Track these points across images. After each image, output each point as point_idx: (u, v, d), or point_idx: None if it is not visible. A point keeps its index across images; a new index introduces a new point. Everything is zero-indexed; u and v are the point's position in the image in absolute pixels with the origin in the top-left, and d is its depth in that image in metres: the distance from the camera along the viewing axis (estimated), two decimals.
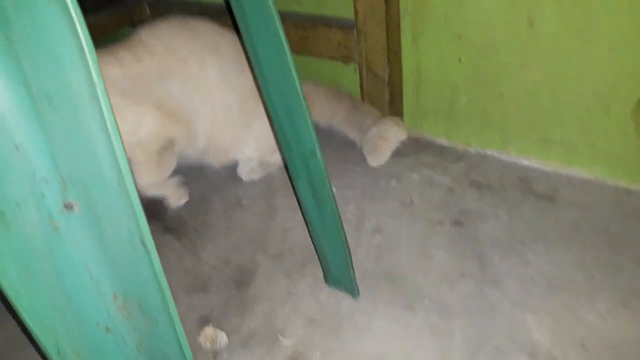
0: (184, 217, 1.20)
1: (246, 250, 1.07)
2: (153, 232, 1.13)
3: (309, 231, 0.94)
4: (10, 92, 0.52)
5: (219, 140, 1.24)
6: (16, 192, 0.52)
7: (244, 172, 1.29)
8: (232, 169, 1.31)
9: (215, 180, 1.30)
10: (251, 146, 1.27)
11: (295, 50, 1.38)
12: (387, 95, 1.29)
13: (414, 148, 1.33)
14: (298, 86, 0.73)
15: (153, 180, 1.16)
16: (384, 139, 1.30)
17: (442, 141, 1.35)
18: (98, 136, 0.49)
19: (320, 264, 0.96)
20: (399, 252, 1.03)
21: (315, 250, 0.96)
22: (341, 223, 0.85)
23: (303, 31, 1.34)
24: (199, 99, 1.16)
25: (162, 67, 1.12)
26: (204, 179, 1.30)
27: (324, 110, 1.36)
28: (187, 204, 1.24)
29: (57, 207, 0.54)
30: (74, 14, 0.46)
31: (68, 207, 0.54)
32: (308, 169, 0.81)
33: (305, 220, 0.91)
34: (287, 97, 0.75)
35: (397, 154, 1.31)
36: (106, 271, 0.56)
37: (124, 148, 0.49)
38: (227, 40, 1.21)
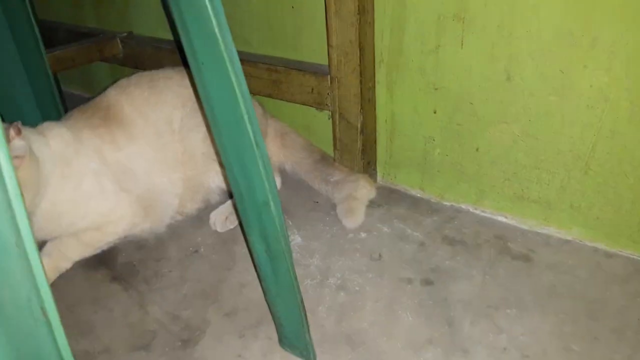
0: (136, 265, 1.11)
1: (198, 306, 0.99)
2: (100, 281, 1.04)
3: (262, 288, 0.86)
4: None
5: (191, 187, 1.20)
6: None
7: (218, 223, 1.21)
8: (193, 214, 1.24)
9: (174, 224, 1.23)
10: (220, 175, 1.23)
11: (268, 93, 1.34)
12: (359, 144, 1.24)
13: (386, 199, 1.27)
14: (251, 132, 0.67)
15: (73, 258, 1.10)
16: (356, 199, 1.23)
17: (416, 193, 1.30)
18: None
19: (275, 324, 0.88)
20: (363, 312, 0.95)
21: (269, 309, 0.88)
22: (297, 282, 0.78)
23: (276, 75, 1.30)
24: (172, 165, 1.18)
25: (148, 149, 1.15)
26: None
27: (295, 156, 1.32)
28: (140, 250, 1.16)
29: None
30: None
31: None
32: (261, 222, 0.74)
33: (258, 276, 0.83)
34: (240, 143, 0.69)
35: (369, 204, 1.25)
36: (2, 344, 0.48)
37: (25, 208, 0.42)
38: (187, 85, 1.22)
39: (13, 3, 1.24)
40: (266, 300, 0.87)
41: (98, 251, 1.13)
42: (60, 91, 1.76)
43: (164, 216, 1.19)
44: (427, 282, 1.02)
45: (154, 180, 1.16)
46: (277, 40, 1.36)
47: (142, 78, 1.23)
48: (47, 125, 1.08)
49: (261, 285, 0.84)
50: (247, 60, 1.32)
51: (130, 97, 1.18)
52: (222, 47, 0.63)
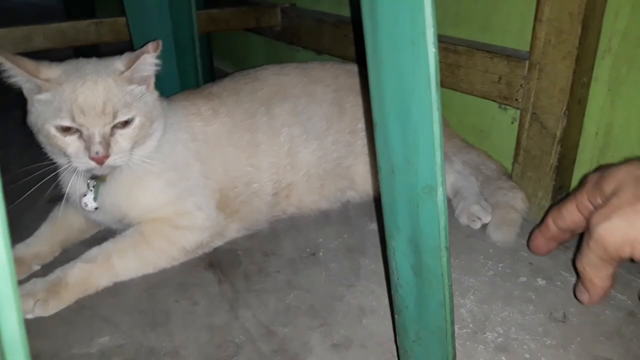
0: (240, 254, 0.90)
1: (301, 325, 0.74)
2: (193, 264, 0.84)
3: (393, 323, 0.58)
4: None
5: (315, 176, 1.00)
6: None
7: (464, 214, 0.97)
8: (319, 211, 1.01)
9: (296, 216, 1.00)
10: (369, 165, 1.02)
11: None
12: (554, 158, 0.91)
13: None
14: (431, 65, 0.41)
15: (119, 275, 0.83)
16: (517, 212, 0.93)
17: None
18: None
19: None
20: None
21: (398, 355, 0.60)
22: (452, 327, 0.49)
23: (455, 57, 1.02)
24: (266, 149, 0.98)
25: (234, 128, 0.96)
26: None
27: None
28: (250, 238, 0.94)
29: None
30: None
31: None
32: (415, 218, 0.47)
33: (391, 304, 0.55)
34: (408, 80, 0.42)
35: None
36: None
37: None
38: (291, 77, 1.05)
39: None
40: (396, 342, 0.59)
41: (153, 270, 0.86)
42: (210, 64, 1.66)
43: (257, 214, 0.97)
44: None
45: (241, 167, 0.95)
46: (462, 18, 1.08)
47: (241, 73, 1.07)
48: None
49: (393, 319, 0.56)
50: None
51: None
52: None
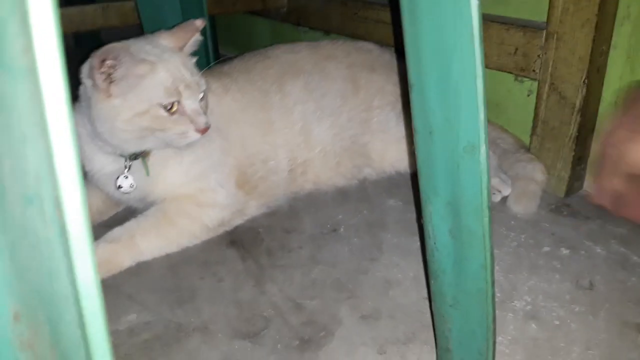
0: (261, 232, 0.90)
1: (328, 298, 0.73)
2: (215, 243, 0.83)
3: (428, 289, 0.58)
4: None
5: (331, 154, 1.00)
6: None
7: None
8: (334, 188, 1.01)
9: (314, 194, 0.99)
10: (384, 142, 1.02)
11: None
12: (573, 128, 0.91)
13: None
14: (474, 15, 0.40)
15: (143, 253, 0.82)
16: (537, 184, 0.93)
17: None
18: None
19: (437, 345, 0.59)
20: (564, 357, 0.63)
21: (433, 322, 0.60)
22: (493, 289, 0.48)
23: None
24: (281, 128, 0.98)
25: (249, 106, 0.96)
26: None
27: None
28: (270, 216, 0.94)
29: None
30: None
31: None
32: (455, 179, 0.46)
33: (427, 270, 0.55)
34: (448, 32, 0.42)
35: (572, 213, 0.91)
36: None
37: None
38: (302, 54, 1.04)
39: None
40: (432, 309, 0.58)
41: (176, 249, 0.85)
42: (216, 48, 1.65)
43: (275, 190, 0.96)
44: None
45: (257, 144, 0.95)
46: None
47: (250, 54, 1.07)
48: None
49: (429, 285, 0.56)
50: None
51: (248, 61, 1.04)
52: None
